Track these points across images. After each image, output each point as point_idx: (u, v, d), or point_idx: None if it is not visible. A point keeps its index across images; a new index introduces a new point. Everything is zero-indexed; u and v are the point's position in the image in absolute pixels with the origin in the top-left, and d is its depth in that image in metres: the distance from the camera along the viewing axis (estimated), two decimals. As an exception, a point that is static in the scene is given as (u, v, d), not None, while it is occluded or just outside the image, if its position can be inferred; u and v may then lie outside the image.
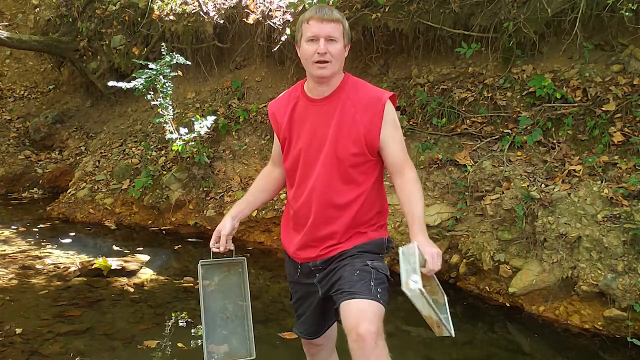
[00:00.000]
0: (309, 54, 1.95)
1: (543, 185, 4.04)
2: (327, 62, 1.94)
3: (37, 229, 5.61)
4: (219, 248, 2.16)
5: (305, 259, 2.11)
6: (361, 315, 1.83)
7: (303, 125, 2.05)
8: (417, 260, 1.81)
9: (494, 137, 4.59)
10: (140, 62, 6.02)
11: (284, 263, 2.30)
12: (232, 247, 2.18)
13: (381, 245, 2.09)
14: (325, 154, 2.00)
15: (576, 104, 4.39)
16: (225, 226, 2.14)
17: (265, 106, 6.15)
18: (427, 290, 1.81)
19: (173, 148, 5.67)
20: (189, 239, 5.39)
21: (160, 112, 5.68)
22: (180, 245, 5.22)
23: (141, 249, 5.03)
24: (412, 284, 1.74)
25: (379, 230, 2.11)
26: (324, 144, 2.01)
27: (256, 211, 5.20)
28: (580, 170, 4.05)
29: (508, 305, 3.86)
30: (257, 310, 3.81)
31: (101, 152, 6.80)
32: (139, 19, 7.18)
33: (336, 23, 1.94)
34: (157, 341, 3.25)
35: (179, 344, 3.25)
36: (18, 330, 3.27)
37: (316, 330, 2.25)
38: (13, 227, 5.61)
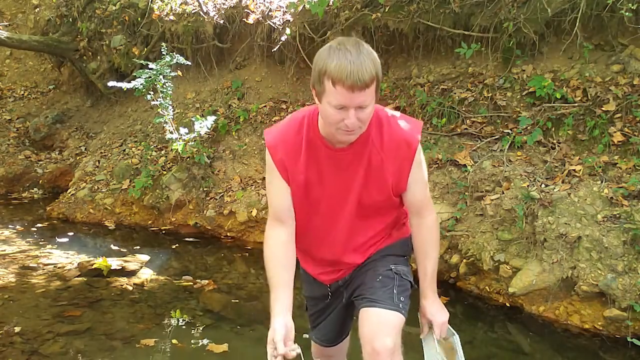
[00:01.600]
0: (334, 120, 1.63)
1: (543, 185, 4.04)
2: (355, 129, 1.66)
3: (37, 229, 5.61)
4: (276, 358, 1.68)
5: (333, 280, 2.02)
6: (379, 327, 1.75)
7: (323, 174, 1.79)
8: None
9: (494, 137, 4.59)
10: (140, 62, 6.02)
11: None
12: (299, 350, 1.67)
13: (405, 246, 1.99)
14: (350, 204, 1.83)
15: (576, 104, 4.39)
16: (276, 329, 1.67)
17: (265, 106, 6.15)
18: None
19: (173, 148, 5.67)
20: (189, 239, 5.39)
21: (160, 112, 5.68)
22: (180, 246, 5.22)
23: (141, 249, 5.03)
24: None
25: (401, 228, 2.00)
26: (348, 195, 1.81)
27: (256, 211, 5.20)
28: (580, 170, 4.04)
29: (508, 305, 3.86)
30: (257, 310, 3.82)
31: (101, 152, 6.80)
32: (139, 19, 7.18)
33: (370, 87, 1.57)
34: (157, 341, 3.25)
35: (179, 344, 3.25)
36: (18, 330, 3.27)
37: (335, 337, 2.17)
38: (13, 227, 5.62)
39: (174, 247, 5.18)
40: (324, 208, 1.85)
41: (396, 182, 1.80)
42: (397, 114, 1.86)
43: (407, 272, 1.93)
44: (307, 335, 3.29)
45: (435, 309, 1.87)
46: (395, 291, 1.85)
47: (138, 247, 5.09)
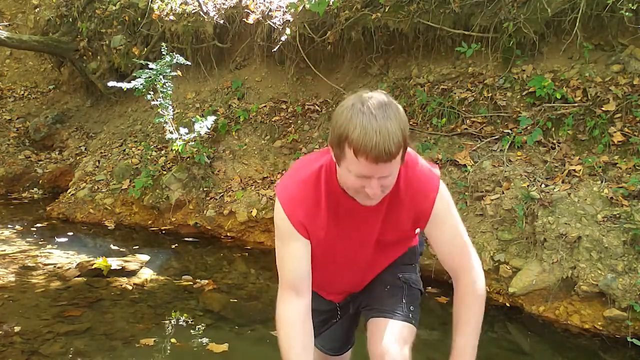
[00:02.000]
0: (353, 187, 1.50)
1: (543, 185, 4.04)
2: (379, 194, 1.52)
3: (37, 229, 5.61)
4: None
5: (343, 299, 1.97)
6: (389, 340, 1.66)
7: (342, 227, 1.68)
8: None
9: (494, 137, 4.59)
10: (140, 62, 6.02)
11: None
12: None
13: (413, 254, 1.91)
14: (367, 249, 1.74)
15: (576, 104, 4.39)
16: None
17: (265, 106, 6.15)
18: None
19: (173, 148, 5.67)
20: (189, 239, 5.39)
21: (160, 112, 5.67)
22: (180, 246, 5.22)
23: (141, 249, 5.03)
24: None
25: None
26: (365, 243, 1.72)
27: (256, 211, 5.20)
28: (580, 170, 4.05)
29: (508, 305, 3.86)
30: (257, 310, 3.83)
31: (101, 152, 6.80)
32: (139, 19, 7.18)
33: (395, 157, 1.41)
34: (157, 341, 3.25)
35: (179, 344, 3.25)
36: (18, 330, 3.27)
37: (340, 346, 2.09)
38: (13, 227, 5.61)
39: (174, 247, 5.18)
40: (340, 257, 1.75)
41: (413, 226, 1.69)
42: (416, 157, 1.68)
43: (416, 280, 1.86)
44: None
45: None
46: (404, 300, 1.79)
47: (138, 247, 5.09)
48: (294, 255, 1.64)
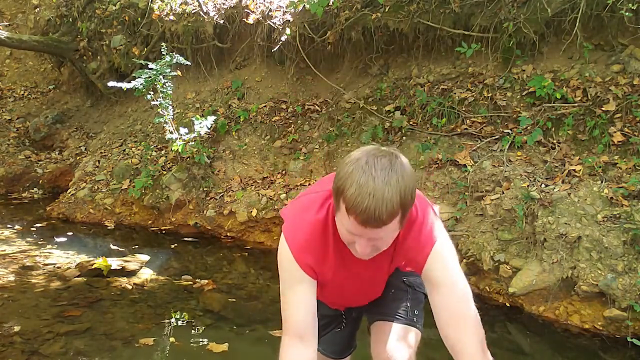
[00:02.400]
0: (346, 240, 1.47)
1: (543, 185, 4.04)
2: (371, 252, 1.48)
3: (37, 229, 5.61)
4: None
5: (344, 308, 1.97)
6: (393, 344, 1.66)
7: (350, 269, 1.64)
8: None
9: (494, 137, 4.59)
10: (140, 62, 6.02)
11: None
12: None
13: None
14: (374, 283, 1.73)
15: (576, 104, 4.39)
16: None
17: (265, 106, 6.15)
18: None
19: (173, 148, 5.67)
20: (189, 239, 5.39)
21: (160, 112, 5.67)
22: (180, 246, 5.22)
23: (141, 249, 5.03)
24: None
25: None
26: (373, 280, 1.71)
27: (256, 211, 5.20)
28: (580, 170, 4.04)
29: (508, 305, 3.86)
30: (257, 310, 3.82)
31: (101, 152, 6.80)
32: (139, 19, 7.17)
33: (388, 224, 1.35)
34: (157, 341, 3.25)
35: (179, 344, 3.25)
36: (18, 330, 3.27)
37: (342, 349, 2.05)
38: (13, 227, 5.61)
39: (174, 247, 5.18)
40: (349, 290, 1.72)
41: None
42: (428, 215, 1.58)
43: (420, 283, 1.82)
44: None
45: None
46: (408, 304, 1.77)
47: (138, 247, 5.09)
48: (300, 301, 1.57)
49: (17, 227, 5.63)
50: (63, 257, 4.73)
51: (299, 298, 1.56)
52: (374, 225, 1.32)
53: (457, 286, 1.52)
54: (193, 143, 5.66)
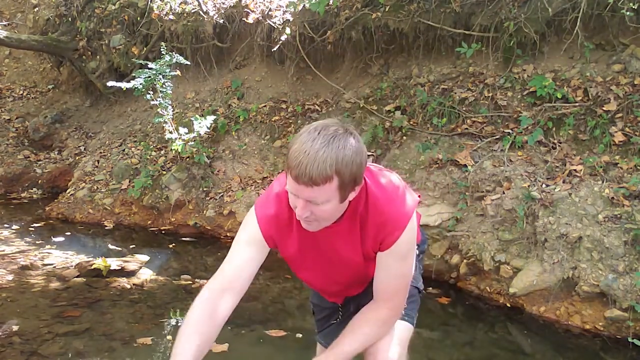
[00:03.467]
0: (291, 202, 1.53)
1: (544, 185, 4.03)
2: (311, 221, 1.53)
3: (36, 229, 5.60)
4: None
5: (342, 300, 1.99)
6: (383, 340, 1.68)
7: (319, 245, 1.69)
8: None
9: (494, 137, 4.58)
10: (140, 61, 6.01)
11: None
12: None
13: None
14: (351, 267, 1.74)
15: (577, 104, 4.38)
16: None
17: (265, 106, 6.14)
18: None
19: (173, 148, 5.66)
20: (189, 239, 5.38)
21: (160, 112, 5.66)
22: (179, 246, 5.21)
23: (141, 249, 5.01)
24: None
25: None
26: (348, 261, 1.71)
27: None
28: (581, 170, 4.04)
29: (509, 305, 3.85)
30: (256, 310, 3.81)
31: (100, 152, 6.79)
32: (139, 18, 7.17)
33: (321, 185, 1.40)
34: (157, 342, 3.24)
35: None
36: (17, 331, 3.26)
37: None
38: (12, 227, 5.60)
39: (173, 247, 5.17)
40: (325, 271, 1.76)
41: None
42: (394, 184, 1.64)
43: (414, 277, 1.84)
44: (300, 335, 3.30)
45: None
46: None
47: (137, 247, 5.08)
48: (241, 257, 1.64)
49: (16, 227, 5.61)
50: (62, 258, 4.72)
51: (244, 252, 1.64)
52: (305, 182, 1.39)
53: (405, 266, 1.65)
54: (193, 143, 5.65)
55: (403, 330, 1.75)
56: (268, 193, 1.71)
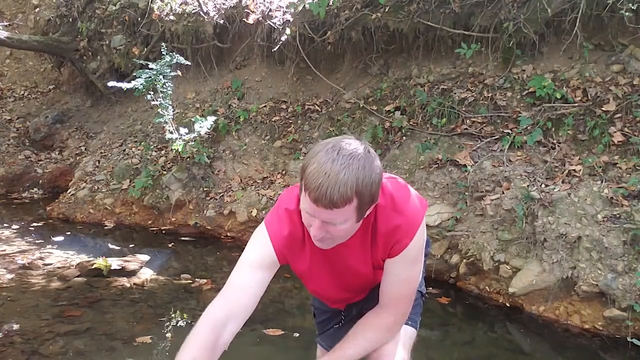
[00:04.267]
0: (305, 222, 1.52)
1: (543, 186, 4.04)
2: (325, 239, 1.50)
3: (37, 229, 5.61)
4: None
5: (344, 306, 1.99)
6: (387, 344, 1.68)
7: (329, 258, 1.69)
8: None
9: (494, 137, 4.59)
10: (140, 62, 6.02)
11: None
12: None
13: None
14: (361, 276, 1.74)
15: (576, 104, 4.39)
16: None
17: (265, 106, 6.15)
18: None
19: (173, 148, 5.67)
20: (189, 239, 5.39)
21: (160, 112, 5.67)
22: (180, 245, 5.22)
23: (141, 249, 5.02)
24: None
25: None
26: (358, 270, 1.71)
27: (256, 211, 5.20)
28: (580, 170, 4.04)
29: (508, 305, 3.86)
30: (256, 310, 3.80)
31: (101, 152, 6.80)
32: (139, 19, 7.17)
33: (340, 208, 1.38)
34: (157, 341, 3.25)
35: (179, 345, 3.24)
36: (18, 330, 3.27)
37: None
38: (13, 227, 5.61)
39: (174, 247, 5.18)
40: (334, 282, 1.75)
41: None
42: (402, 191, 1.61)
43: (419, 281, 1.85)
44: (300, 335, 3.31)
45: None
46: None
47: (138, 247, 5.08)
48: (249, 285, 1.60)
49: (17, 227, 5.62)
50: (63, 257, 4.73)
51: (252, 278, 1.59)
52: (325, 204, 1.36)
53: (411, 274, 1.65)
54: (193, 143, 5.66)
55: (407, 334, 1.75)
56: (278, 210, 1.67)
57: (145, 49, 7.00)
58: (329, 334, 2.05)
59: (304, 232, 1.59)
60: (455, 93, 4.99)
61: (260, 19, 6.20)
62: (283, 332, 3.37)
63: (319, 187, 1.35)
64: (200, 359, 1.57)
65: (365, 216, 1.50)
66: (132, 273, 4.32)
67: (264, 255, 1.61)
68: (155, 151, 6.25)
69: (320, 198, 1.35)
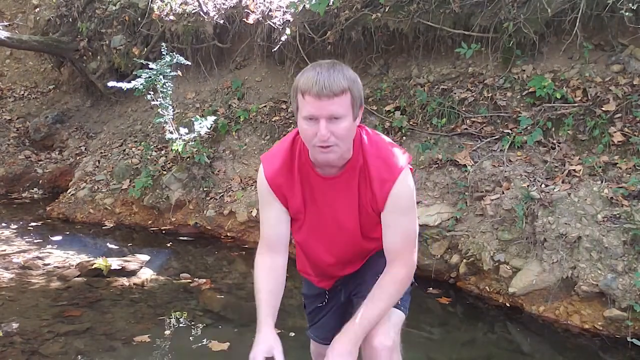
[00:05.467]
0: (309, 136, 1.62)
1: (543, 186, 4.04)
2: (331, 146, 1.62)
3: (37, 229, 5.61)
4: None
5: (330, 285, 2.05)
6: (378, 325, 1.73)
7: (317, 201, 1.81)
8: None
9: (494, 137, 4.59)
10: (141, 62, 6.02)
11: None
12: None
13: None
14: (346, 231, 1.83)
15: (576, 104, 4.39)
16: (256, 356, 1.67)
17: (265, 106, 6.15)
18: None
19: (173, 148, 5.67)
20: (189, 239, 5.39)
21: (160, 112, 5.67)
22: (180, 245, 5.22)
23: (141, 249, 5.02)
24: None
25: None
26: (343, 223, 1.82)
27: (256, 211, 5.20)
28: (580, 170, 4.04)
29: (508, 305, 3.86)
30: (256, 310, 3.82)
31: (101, 152, 6.80)
32: (139, 19, 7.18)
33: (340, 96, 1.55)
34: (157, 341, 3.25)
35: (179, 344, 3.25)
36: (18, 330, 3.27)
37: (333, 335, 2.08)
38: (13, 227, 5.61)
39: (174, 247, 5.18)
40: (320, 233, 1.85)
41: (377, 209, 1.77)
42: (388, 144, 1.81)
43: None
44: (300, 335, 3.30)
45: (340, 349, 1.68)
46: None
47: (138, 247, 5.09)
48: (272, 219, 1.85)
49: (17, 227, 5.62)
50: (63, 257, 4.73)
51: (270, 214, 1.85)
52: (327, 94, 1.53)
53: (408, 217, 1.76)
54: (193, 143, 5.66)
55: (397, 317, 1.81)
56: (272, 150, 1.88)
57: (145, 49, 7.00)
58: (319, 325, 2.13)
59: (294, 163, 1.78)
60: (455, 93, 4.99)
61: (260, 19, 6.21)
62: (285, 332, 3.37)
63: (317, 82, 1.54)
64: (270, 287, 1.82)
65: (357, 123, 1.67)
66: (132, 273, 4.32)
67: (265, 193, 1.85)
68: (155, 151, 6.25)
69: (321, 89, 1.53)
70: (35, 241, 5.17)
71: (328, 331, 2.09)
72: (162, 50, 5.68)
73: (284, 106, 6.11)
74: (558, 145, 4.31)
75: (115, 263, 4.32)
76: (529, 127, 4.47)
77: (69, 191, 6.38)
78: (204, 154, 5.69)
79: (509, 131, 4.54)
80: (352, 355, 1.68)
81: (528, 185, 4.05)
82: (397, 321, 1.79)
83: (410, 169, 1.80)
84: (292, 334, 3.30)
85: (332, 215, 1.80)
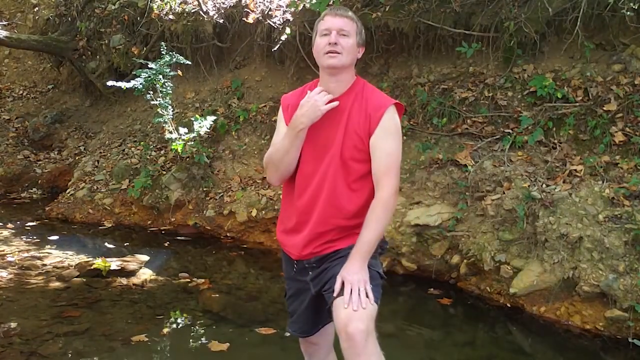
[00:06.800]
0: (321, 47, 2.00)
1: (544, 186, 4.03)
2: (337, 52, 1.97)
3: (36, 230, 5.59)
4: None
5: (300, 257, 2.09)
6: (351, 314, 1.82)
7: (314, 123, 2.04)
8: None
9: (494, 137, 4.58)
10: (140, 61, 6.00)
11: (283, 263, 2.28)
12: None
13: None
14: (332, 154, 2.01)
15: (577, 104, 4.38)
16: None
17: (265, 106, 6.14)
18: None
19: (172, 148, 5.65)
20: (188, 239, 5.37)
21: (160, 112, 5.66)
22: (179, 246, 5.20)
23: (141, 249, 5.01)
24: None
25: None
26: (331, 144, 2.02)
27: (256, 211, 5.19)
28: (581, 170, 4.03)
29: (509, 305, 3.85)
30: (257, 310, 3.81)
31: (100, 152, 6.78)
32: (139, 18, 7.16)
33: (349, 19, 2.01)
34: (157, 342, 3.24)
35: (179, 344, 3.23)
36: (17, 331, 3.25)
37: (310, 328, 2.23)
38: (12, 227, 5.59)
39: (173, 247, 5.16)
40: (311, 154, 2.04)
41: (366, 139, 1.99)
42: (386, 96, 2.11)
43: (375, 264, 2.02)
44: (288, 334, 3.29)
45: (351, 268, 1.90)
46: None
47: (137, 247, 5.07)
48: (279, 137, 2.10)
49: (16, 227, 5.61)
50: (62, 258, 4.71)
51: (280, 131, 2.13)
52: (340, 14, 2.02)
53: (396, 146, 2.01)
54: (192, 143, 5.64)
55: (370, 307, 1.87)
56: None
57: (145, 49, 6.99)
58: (295, 320, 2.23)
59: (307, 90, 2.09)
60: (455, 93, 4.97)
61: (260, 18, 6.19)
62: (281, 331, 3.36)
63: (334, 9, 2.07)
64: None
65: (359, 56, 2.07)
66: (131, 273, 4.30)
67: (280, 111, 2.18)
68: (155, 151, 6.24)
69: (337, 11, 2.04)
70: (34, 241, 5.15)
71: (305, 324, 2.22)
72: (162, 49, 5.67)
73: (283, 106, 6.09)
74: (559, 145, 4.30)
75: (114, 263, 4.31)
76: (529, 127, 4.46)
77: (68, 191, 6.36)
78: (204, 153, 5.68)
79: (510, 131, 4.53)
80: (364, 270, 1.90)
81: (529, 185, 4.04)
82: (369, 311, 1.86)
83: (400, 106, 2.07)
84: (287, 334, 3.28)
85: (322, 134, 2.03)
